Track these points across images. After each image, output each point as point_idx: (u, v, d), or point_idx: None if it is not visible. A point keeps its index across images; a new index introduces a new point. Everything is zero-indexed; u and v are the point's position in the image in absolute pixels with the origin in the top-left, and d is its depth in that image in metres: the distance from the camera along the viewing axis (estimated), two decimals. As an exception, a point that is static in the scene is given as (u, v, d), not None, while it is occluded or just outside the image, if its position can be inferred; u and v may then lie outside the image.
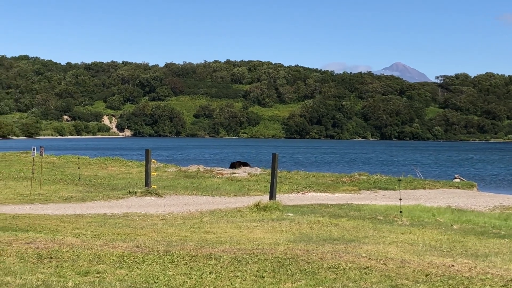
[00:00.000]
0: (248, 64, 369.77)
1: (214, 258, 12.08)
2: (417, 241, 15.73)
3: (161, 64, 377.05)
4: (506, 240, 16.79)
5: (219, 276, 10.92)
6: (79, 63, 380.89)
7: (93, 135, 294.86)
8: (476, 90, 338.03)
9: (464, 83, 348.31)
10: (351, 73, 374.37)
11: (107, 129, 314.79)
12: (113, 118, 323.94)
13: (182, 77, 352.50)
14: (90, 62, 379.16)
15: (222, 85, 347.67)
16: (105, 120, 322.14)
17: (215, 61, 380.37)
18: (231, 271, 11.22)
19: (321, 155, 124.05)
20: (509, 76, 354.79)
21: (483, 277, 11.03)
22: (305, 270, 11.35)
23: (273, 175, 25.17)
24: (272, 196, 24.84)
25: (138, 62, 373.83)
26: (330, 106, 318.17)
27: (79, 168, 38.74)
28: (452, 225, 19.72)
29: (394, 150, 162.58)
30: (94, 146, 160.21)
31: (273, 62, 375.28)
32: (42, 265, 11.48)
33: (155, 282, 10.54)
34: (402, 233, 17.21)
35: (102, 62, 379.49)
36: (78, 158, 46.29)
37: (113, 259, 11.94)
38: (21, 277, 10.47)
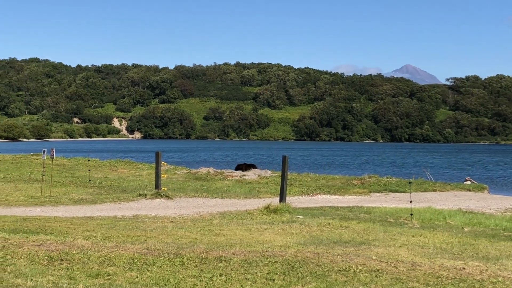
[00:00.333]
0: (258, 66, 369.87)
1: (224, 261, 12.07)
2: (428, 244, 15.66)
3: (171, 67, 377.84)
4: (518, 242, 16.69)
5: (229, 278, 10.92)
6: (90, 66, 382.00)
7: (103, 137, 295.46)
8: (487, 92, 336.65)
9: (474, 85, 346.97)
10: (361, 75, 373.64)
11: (117, 132, 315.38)
12: (123, 121, 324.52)
13: (192, 80, 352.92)
14: (100, 65, 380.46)
15: (232, 88, 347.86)
16: (115, 123, 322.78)
17: (225, 64, 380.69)
18: (242, 274, 11.21)
19: (331, 157, 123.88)
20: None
21: (494, 280, 10.99)
22: (316, 272, 11.33)
23: (283, 177, 25.13)
24: (282, 198, 24.80)
25: (148, 65, 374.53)
26: (340, 109, 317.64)
27: (89, 170, 38.84)
28: (463, 227, 19.63)
29: (405, 152, 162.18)
30: (104, 149, 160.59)
31: (283, 64, 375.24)
32: (52, 267, 11.50)
33: (165, 284, 10.54)
34: (413, 236, 17.14)
35: (112, 65, 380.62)
36: (88, 160, 46.40)
37: (124, 262, 11.95)
38: (31, 279, 10.49)
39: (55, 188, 30.25)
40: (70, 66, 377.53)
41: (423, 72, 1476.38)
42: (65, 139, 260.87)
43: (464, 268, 11.77)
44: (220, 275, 11.07)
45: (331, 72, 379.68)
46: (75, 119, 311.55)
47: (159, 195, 27.80)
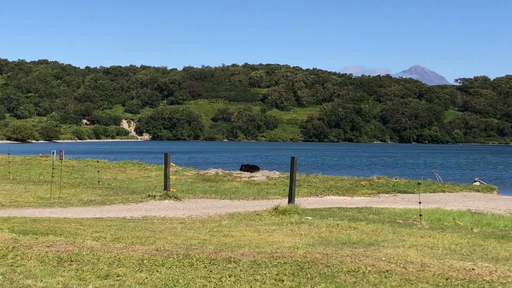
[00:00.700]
0: (266, 68, 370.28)
1: (234, 262, 12.08)
2: (437, 245, 15.63)
3: (180, 68, 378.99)
4: (527, 243, 16.63)
5: (239, 279, 10.92)
6: (98, 67, 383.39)
7: (112, 138, 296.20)
8: (496, 93, 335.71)
9: (483, 85, 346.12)
10: (369, 76, 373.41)
11: (126, 133, 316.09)
12: (132, 122, 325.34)
13: (200, 81, 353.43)
14: (109, 66, 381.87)
15: (240, 89, 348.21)
16: (124, 124, 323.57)
17: (233, 65, 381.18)
18: (251, 275, 11.22)
19: (340, 158, 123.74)
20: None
21: (504, 281, 10.96)
22: (325, 273, 11.32)
23: (292, 179, 25.11)
24: (291, 199, 24.79)
25: (156, 66, 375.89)
26: (349, 109, 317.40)
27: (98, 171, 38.92)
28: (472, 228, 19.57)
29: (414, 153, 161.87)
30: (113, 150, 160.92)
31: (291, 66, 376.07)
32: (62, 268, 11.54)
33: (174, 285, 10.56)
34: (422, 237, 17.10)
35: (121, 66, 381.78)
36: (97, 161, 46.55)
37: (133, 262, 11.98)
38: (41, 280, 10.53)
39: (64, 190, 30.33)
40: (79, 67, 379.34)
41: (431, 73, 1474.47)
42: (74, 141, 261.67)
43: (473, 269, 11.74)
44: (229, 276, 11.08)
45: (339, 73, 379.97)
46: (84, 121, 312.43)
47: (168, 196, 27.84)
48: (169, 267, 11.69)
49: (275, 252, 13.02)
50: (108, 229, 17.48)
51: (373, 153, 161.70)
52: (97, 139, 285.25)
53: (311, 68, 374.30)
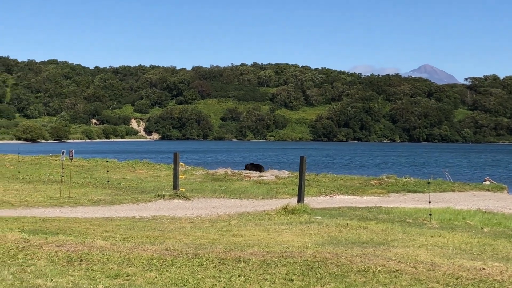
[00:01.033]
0: (275, 67, 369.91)
1: (243, 261, 12.08)
2: (447, 244, 15.58)
3: (189, 68, 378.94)
4: (538, 243, 16.56)
5: (248, 279, 10.92)
6: (107, 67, 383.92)
7: (121, 138, 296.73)
8: (506, 92, 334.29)
9: (493, 84, 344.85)
10: (379, 75, 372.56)
11: (135, 133, 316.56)
12: (141, 122, 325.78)
13: (209, 80, 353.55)
14: (118, 66, 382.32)
15: (249, 88, 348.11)
16: (133, 124, 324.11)
17: (242, 64, 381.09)
18: (260, 274, 11.21)
19: (349, 157, 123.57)
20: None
21: (515, 281, 10.91)
22: (334, 273, 11.31)
23: (301, 178, 25.08)
24: (300, 199, 24.76)
25: (165, 66, 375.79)
26: (358, 109, 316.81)
27: (107, 171, 38.99)
28: (482, 228, 19.51)
29: (424, 152, 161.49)
30: (122, 150, 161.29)
31: (300, 65, 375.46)
32: (72, 267, 11.57)
33: (184, 285, 10.56)
34: (432, 236, 17.05)
35: (130, 66, 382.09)
36: (107, 161, 46.60)
37: (143, 262, 11.99)
38: (52, 280, 10.56)
39: (74, 189, 30.41)
40: (88, 67, 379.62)
41: (441, 72, 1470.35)
42: (83, 140, 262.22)
43: (484, 269, 11.70)
44: (239, 276, 11.08)
45: (348, 72, 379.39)
46: (94, 121, 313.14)
47: (177, 195, 27.85)
48: (179, 267, 11.70)
49: (284, 252, 13.01)
50: (117, 229, 17.50)
51: (383, 152, 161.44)
52: (106, 139, 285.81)
53: (320, 68, 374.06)
